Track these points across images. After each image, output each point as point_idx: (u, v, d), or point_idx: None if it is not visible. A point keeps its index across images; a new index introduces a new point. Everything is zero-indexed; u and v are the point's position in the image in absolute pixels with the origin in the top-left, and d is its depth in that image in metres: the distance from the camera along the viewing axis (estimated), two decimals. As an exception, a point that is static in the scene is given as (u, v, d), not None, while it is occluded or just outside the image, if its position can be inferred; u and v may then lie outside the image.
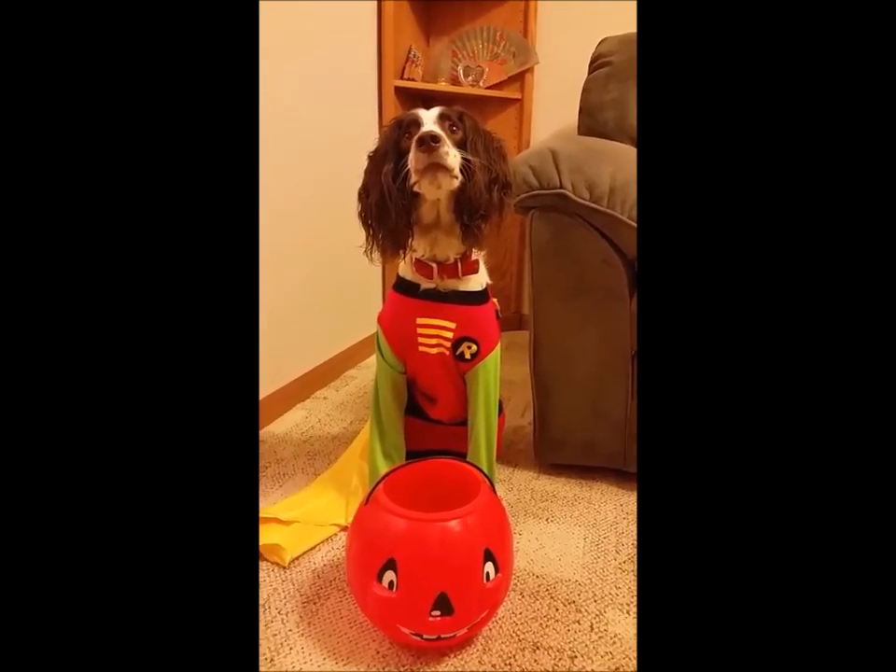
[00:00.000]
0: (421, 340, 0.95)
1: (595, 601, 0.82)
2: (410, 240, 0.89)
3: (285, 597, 0.81)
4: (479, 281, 0.97)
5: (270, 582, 0.84)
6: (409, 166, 0.82)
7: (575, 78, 1.69)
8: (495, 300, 1.03)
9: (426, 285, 0.93)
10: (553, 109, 2.12)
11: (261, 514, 0.96)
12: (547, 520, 1.02)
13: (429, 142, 0.78)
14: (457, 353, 0.95)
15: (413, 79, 2.01)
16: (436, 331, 0.94)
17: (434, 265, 0.92)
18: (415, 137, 0.79)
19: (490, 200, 0.87)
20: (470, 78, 2.12)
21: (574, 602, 0.82)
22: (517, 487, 1.12)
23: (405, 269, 0.97)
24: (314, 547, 0.93)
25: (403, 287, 0.97)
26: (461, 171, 0.83)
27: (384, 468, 0.99)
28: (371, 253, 0.91)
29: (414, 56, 2.02)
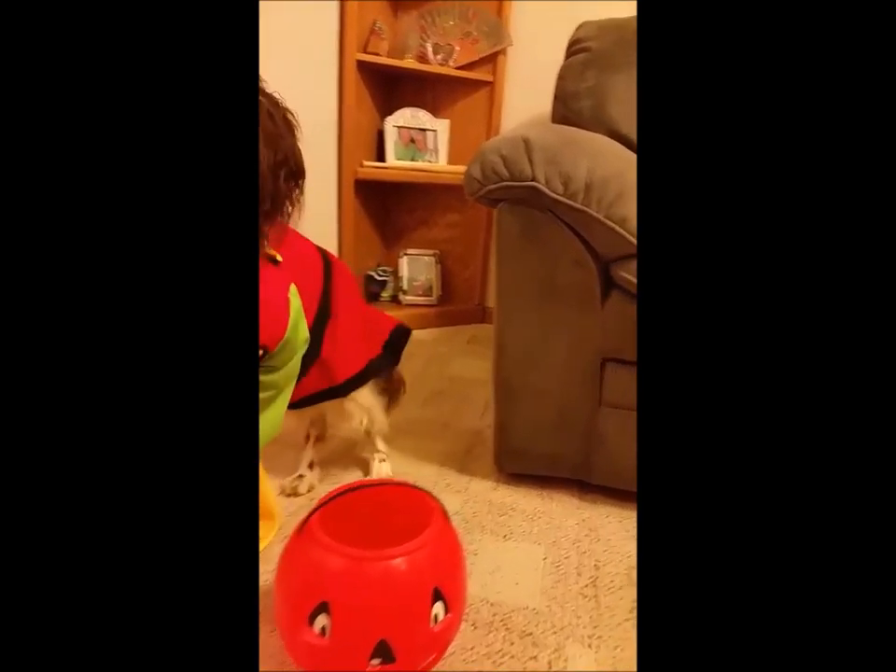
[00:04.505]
0: None
1: (554, 632, 0.76)
2: None
3: (207, 632, 0.72)
4: None
5: (191, 614, 0.75)
6: None
7: (551, 63, 1.60)
8: (268, 251, 0.76)
9: None
10: (526, 94, 2.04)
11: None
12: (505, 537, 0.95)
13: None
14: None
15: (378, 54, 1.89)
16: None
17: None
18: None
19: (276, 188, 0.65)
20: (440, 57, 2.01)
21: (531, 634, 0.75)
22: (474, 499, 1.05)
23: None
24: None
25: None
26: None
27: None
28: None
29: (380, 29, 1.90)
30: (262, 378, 0.79)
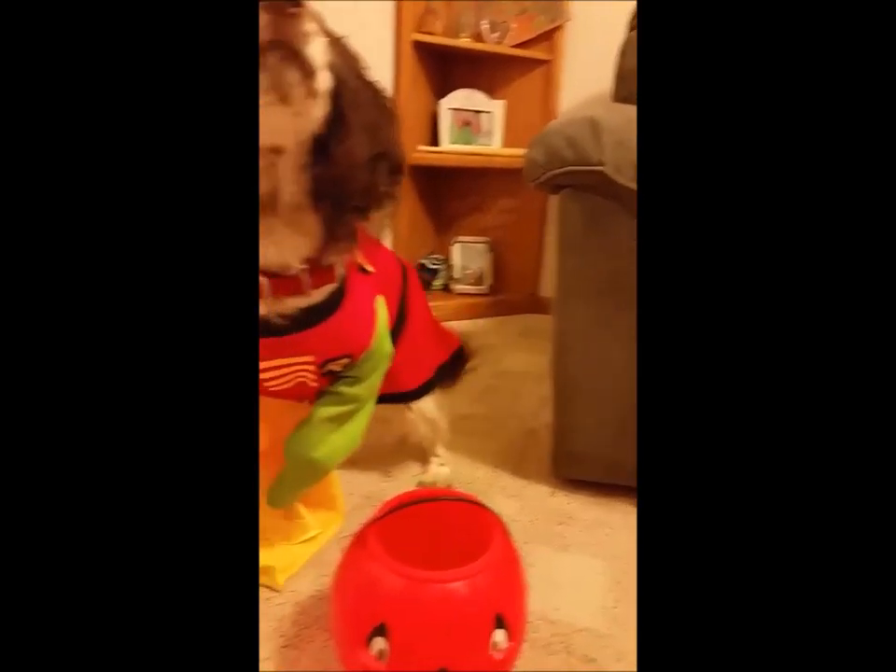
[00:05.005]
0: (267, 383, 0.70)
1: (618, 659, 0.71)
2: None
3: (262, 637, 0.70)
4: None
5: (243, 618, 0.73)
6: None
7: (611, 39, 1.51)
8: (358, 260, 0.71)
9: None
10: (585, 73, 1.93)
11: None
12: (562, 549, 0.90)
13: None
14: (325, 371, 0.73)
15: (433, 33, 1.83)
16: (287, 370, 0.69)
17: (263, 280, 0.58)
18: None
19: (373, 182, 0.56)
20: (495, 35, 1.92)
21: (594, 660, 0.70)
22: (530, 505, 1.00)
23: None
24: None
25: None
26: (328, 118, 0.51)
27: None
28: None
29: (434, 8, 1.83)
30: (345, 390, 0.74)
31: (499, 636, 0.56)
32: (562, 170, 0.89)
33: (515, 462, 1.13)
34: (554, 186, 0.94)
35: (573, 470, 1.04)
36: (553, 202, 2.23)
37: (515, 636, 0.58)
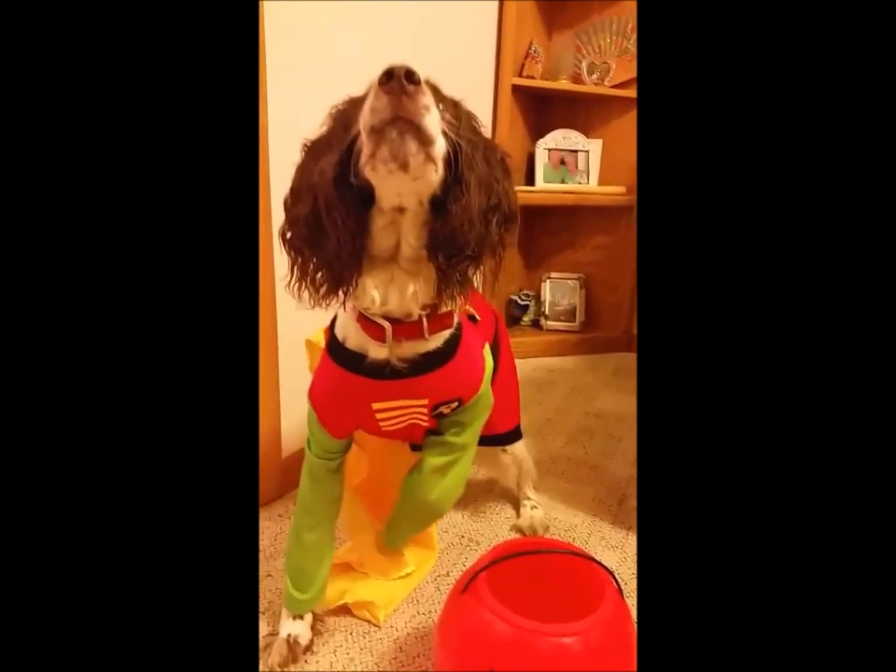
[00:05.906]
0: (383, 423, 0.72)
1: (737, 738, 0.65)
2: (355, 275, 0.59)
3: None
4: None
5: (346, 649, 0.75)
6: (361, 131, 0.51)
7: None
8: (468, 309, 0.74)
9: (375, 353, 0.65)
10: (687, 110, 1.90)
11: (337, 560, 0.86)
12: (669, 607, 0.85)
13: (402, 79, 0.47)
14: (435, 413, 0.74)
15: (533, 77, 1.87)
16: (402, 412, 0.71)
17: (387, 325, 0.62)
18: (380, 73, 0.48)
19: (486, 234, 0.58)
20: (595, 76, 1.94)
21: (709, 735, 0.65)
22: (632, 558, 0.96)
23: (345, 325, 0.68)
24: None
25: (343, 357, 0.67)
26: (445, 178, 0.55)
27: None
28: (298, 290, 0.61)
29: (535, 52, 1.88)
30: (453, 440, 0.77)
31: (612, 699, 0.54)
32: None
33: (615, 511, 1.09)
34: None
35: (678, 524, 0.99)
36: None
37: (628, 700, 0.56)
